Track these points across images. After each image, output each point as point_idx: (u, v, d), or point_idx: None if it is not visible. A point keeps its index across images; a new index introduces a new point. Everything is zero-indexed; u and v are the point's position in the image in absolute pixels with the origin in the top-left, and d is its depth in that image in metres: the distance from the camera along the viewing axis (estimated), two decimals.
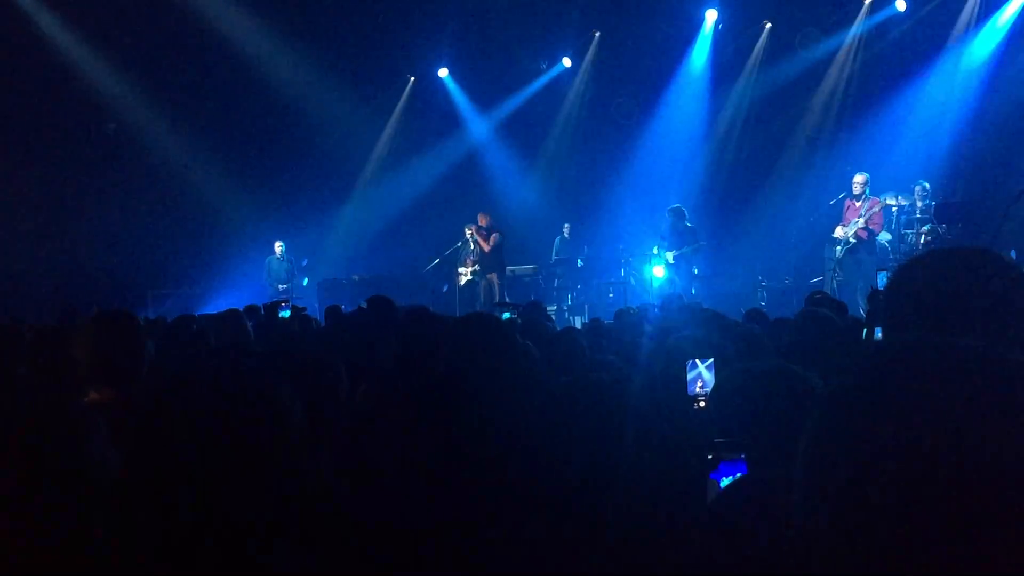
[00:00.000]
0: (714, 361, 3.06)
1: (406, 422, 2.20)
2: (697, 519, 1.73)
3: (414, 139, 16.07)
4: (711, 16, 14.61)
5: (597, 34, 15.40)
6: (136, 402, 2.73)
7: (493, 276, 13.54)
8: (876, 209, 11.02)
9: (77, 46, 13.73)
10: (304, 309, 7.79)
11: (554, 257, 14.55)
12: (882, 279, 7.07)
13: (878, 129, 13.33)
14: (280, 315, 6.96)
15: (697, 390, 3.02)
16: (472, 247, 13.68)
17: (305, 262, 14.87)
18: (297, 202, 15.31)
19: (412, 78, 16.21)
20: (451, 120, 16.09)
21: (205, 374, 1.67)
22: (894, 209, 11.71)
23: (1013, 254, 9.07)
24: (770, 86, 14.43)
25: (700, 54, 14.90)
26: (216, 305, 11.41)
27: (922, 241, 11.51)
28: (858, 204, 11.12)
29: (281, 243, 14.05)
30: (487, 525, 1.75)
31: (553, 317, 9.23)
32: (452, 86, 16.05)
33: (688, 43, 14.89)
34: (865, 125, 13.49)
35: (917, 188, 11.91)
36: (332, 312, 7.19)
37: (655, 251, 12.54)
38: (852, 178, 11.36)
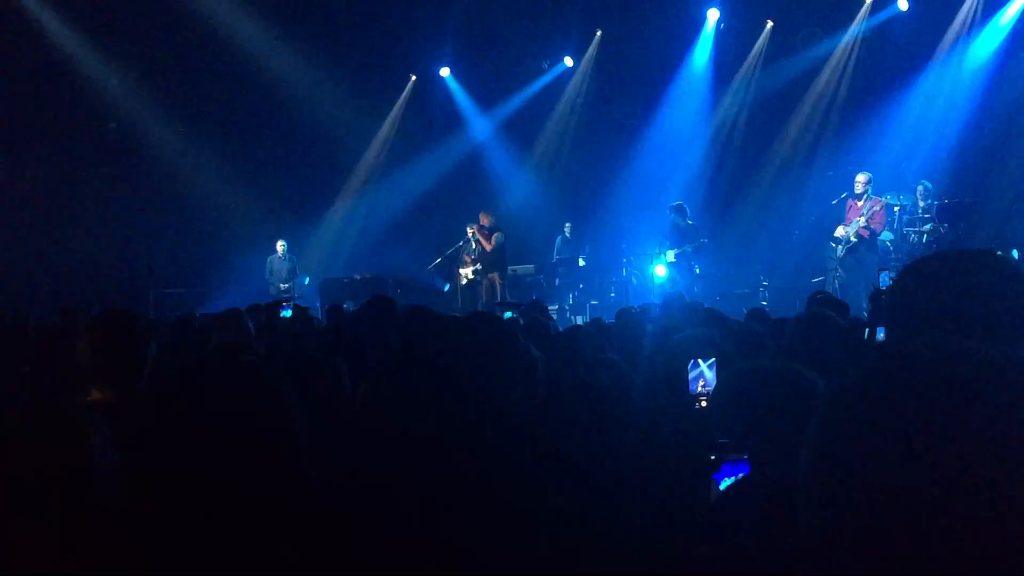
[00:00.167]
0: (716, 360, 3.05)
1: (407, 421, 2.20)
2: (699, 517, 1.72)
3: (415, 138, 16.06)
4: (713, 15, 14.60)
5: (599, 33, 15.39)
6: (137, 402, 2.73)
7: (495, 276, 13.53)
8: (878, 208, 11.01)
9: (78, 45, 13.73)
10: (307, 309, 7.78)
11: (555, 256, 14.54)
12: (884, 279, 7.06)
13: (880, 128, 13.32)
14: (282, 314, 6.95)
15: (699, 389, 3.01)
16: (474, 246, 13.67)
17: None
18: (299, 201, 15.31)
19: (414, 77, 16.19)
20: (453, 119, 16.08)
21: (207, 374, 1.67)
22: (896, 209, 11.70)
23: (1015, 254, 9.06)
24: (772, 85, 14.42)
25: (702, 53, 14.90)
26: (218, 304, 11.40)
27: (924, 241, 11.51)
28: (860, 204, 11.10)
29: (283, 242, 14.03)
30: (488, 523, 1.75)
31: (554, 317, 9.22)
32: (454, 85, 16.04)
33: (690, 42, 14.89)
34: (867, 124, 13.48)
35: (919, 188, 11.91)
36: (333, 311, 7.19)
37: (657, 250, 12.56)
38: (854, 177, 11.35)
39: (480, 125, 16.07)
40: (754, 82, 14.70)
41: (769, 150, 14.58)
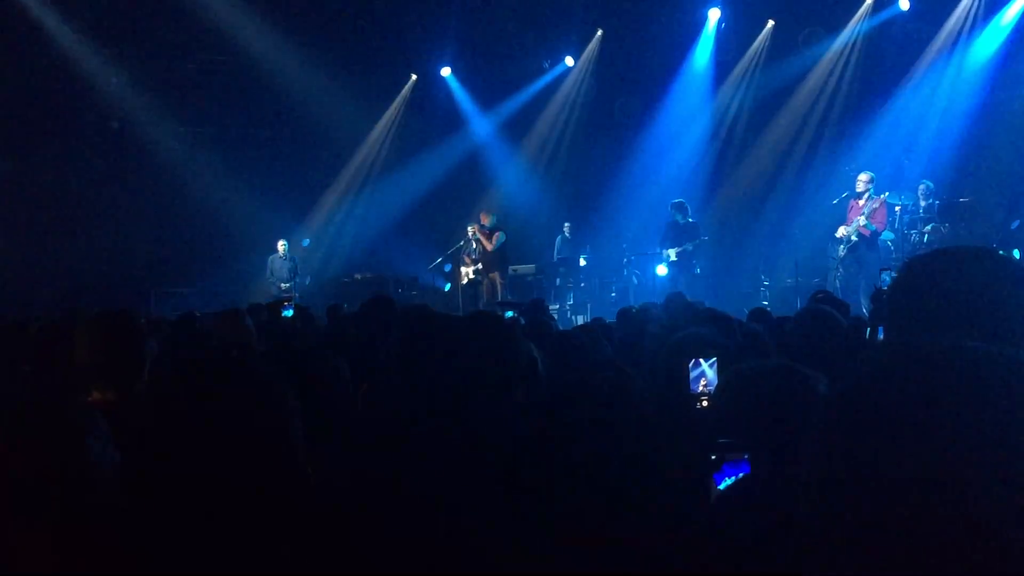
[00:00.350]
0: (717, 360, 3.05)
1: (407, 421, 2.20)
2: (699, 517, 1.72)
3: (416, 138, 16.07)
4: (714, 15, 14.61)
5: (599, 32, 15.39)
6: (137, 402, 2.73)
7: (495, 275, 13.54)
8: (878, 206, 11.00)
9: (80, 44, 13.74)
10: (308, 309, 7.78)
11: (556, 256, 14.55)
12: (886, 278, 7.06)
13: (881, 128, 13.32)
14: (283, 314, 6.95)
15: (700, 389, 3.01)
16: (474, 246, 13.68)
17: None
18: (299, 201, 15.31)
19: (414, 77, 16.21)
20: (453, 119, 16.09)
21: (207, 374, 1.66)
22: (897, 208, 11.70)
23: (1016, 254, 9.05)
24: (773, 85, 14.42)
25: (703, 53, 14.91)
26: (219, 304, 11.40)
27: (925, 240, 11.51)
28: (861, 203, 11.10)
29: (284, 242, 14.04)
30: (489, 523, 1.75)
31: (555, 316, 9.23)
32: (454, 85, 16.05)
33: (691, 41, 14.90)
34: (868, 124, 13.49)
35: (921, 187, 11.91)
36: (334, 311, 7.19)
37: (658, 249, 12.57)
38: (855, 176, 11.35)
39: (481, 125, 16.08)
40: (755, 81, 14.70)
41: (769, 149, 14.58)
